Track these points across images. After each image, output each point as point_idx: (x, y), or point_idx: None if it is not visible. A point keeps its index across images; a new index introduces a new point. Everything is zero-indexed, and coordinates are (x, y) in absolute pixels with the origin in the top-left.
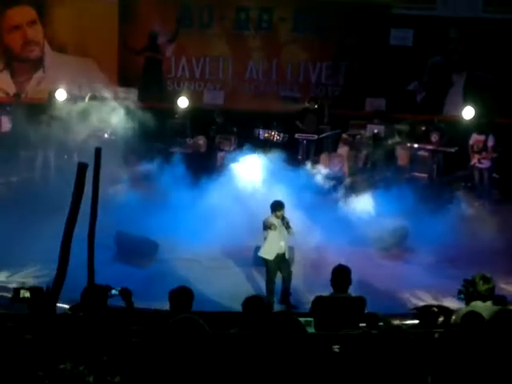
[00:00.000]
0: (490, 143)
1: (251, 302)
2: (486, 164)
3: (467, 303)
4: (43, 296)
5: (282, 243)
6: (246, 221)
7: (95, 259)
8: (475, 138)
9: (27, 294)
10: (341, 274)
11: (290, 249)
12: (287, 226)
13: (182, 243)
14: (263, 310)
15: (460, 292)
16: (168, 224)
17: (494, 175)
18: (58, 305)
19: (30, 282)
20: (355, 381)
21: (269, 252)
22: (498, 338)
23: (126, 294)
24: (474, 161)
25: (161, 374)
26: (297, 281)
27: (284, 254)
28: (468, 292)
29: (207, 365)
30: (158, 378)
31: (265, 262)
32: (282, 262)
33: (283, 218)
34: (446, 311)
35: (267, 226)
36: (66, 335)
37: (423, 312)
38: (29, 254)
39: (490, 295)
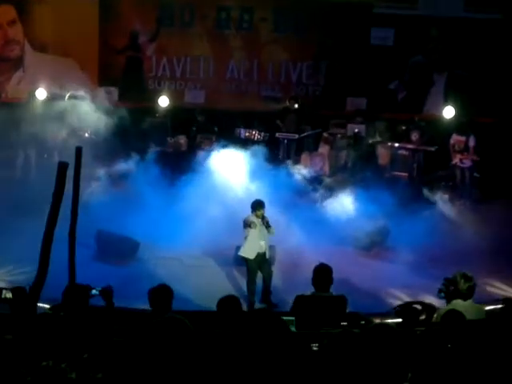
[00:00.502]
0: (471, 143)
1: (225, 301)
2: (467, 164)
3: (448, 301)
4: (25, 296)
5: (262, 243)
6: (226, 220)
7: (76, 258)
8: (456, 138)
9: (9, 295)
10: (322, 273)
11: (271, 248)
12: (267, 226)
13: (163, 242)
14: (237, 310)
15: (440, 291)
16: (148, 223)
17: (475, 175)
18: (39, 304)
19: (11, 281)
20: (334, 379)
21: (249, 251)
22: (481, 337)
23: (106, 293)
24: (456, 160)
25: (145, 372)
26: (277, 280)
27: (264, 254)
28: (448, 290)
29: (190, 363)
30: (141, 375)
31: (245, 261)
32: (263, 262)
33: (263, 218)
34: (429, 308)
35: (247, 225)
36: (47, 334)
37: (405, 309)
38: (9, 253)
39: (471, 293)
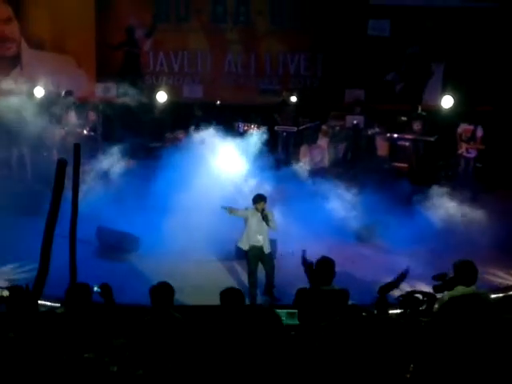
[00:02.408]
0: (479, 134)
1: (228, 294)
2: (472, 153)
3: (448, 289)
4: (23, 295)
5: (260, 237)
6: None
7: (77, 254)
8: (463, 128)
9: (6, 293)
10: (324, 267)
11: (272, 242)
12: (266, 220)
13: (164, 237)
14: (240, 302)
15: (434, 278)
16: (149, 218)
17: (477, 165)
18: (41, 302)
19: (12, 278)
20: (335, 369)
21: (243, 242)
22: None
23: (105, 290)
24: (462, 150)
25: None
26: (279, 273)
27: (262, 248)
28: (445, 279)
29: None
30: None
31: (245, 253)
32: (264, 257)
33: (263, 212)
34: (429, 297)
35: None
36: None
37: (407, 299)
38: (9, 252)
39: (474, 280)
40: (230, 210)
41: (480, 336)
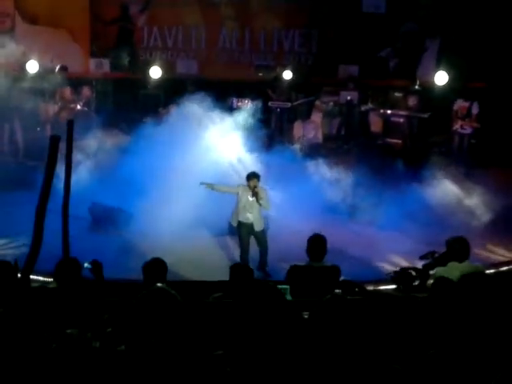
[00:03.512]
0: (475, 111)
1: (238, 268)
2: (468, 130)
3: (441, 265)
4: (11, 269)
5: (249, 214)
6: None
7: (70, 230)
8: (460, 104)
9: None
10: (316, 243)
11: (264, 218)
12: (257, 198)
13: (157, 214)
14: (249, 278)
15: (422, 257)
16: (142, 194)
17: (472, 141)
18: (33, 277)
19: (4, 254)
20: (328, 346)
21: (233, 219)
22: (469, 302)
23: (96, 267)
24: (457, 126)
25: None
26: (271, 249)
27: (252, 225)
28: (433, 257)
29: (181, 333)
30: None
31: (237, 230)
32: (255, 234)
33: (254, 189)
34: (423, 273)
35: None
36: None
37: (400, 275)
38: (3, 226)
39: (467, 255)
40: (211, 186)
41: (485, 313)
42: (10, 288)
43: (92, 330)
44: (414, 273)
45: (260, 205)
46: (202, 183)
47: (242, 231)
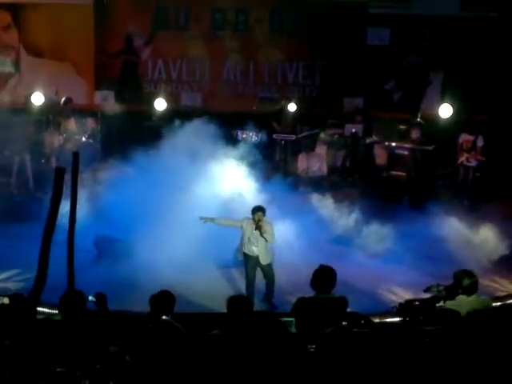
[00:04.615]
0: (480, 143)
1: (236, 301)
2: (473, 163)
3: (451, 298)
4: (23, 302)
5: (255, 248)
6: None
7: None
8: (464, 137)
9: (6, 301)
10: (325, 275)
11: (269, 250)
12: (260, 232)
13: (162, 246)
14: (248, 310)
15: (426, 290)
16: (147, 226)
17: (476, 174)
18: (39, 309)
19: (10, 286)
20: (332, 378)
21: (238, 252)
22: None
23: (100, 300)
24: (462, 159)
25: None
26: (277, 281)
27: (257, 258)
28: (438, 290)
29: (186, 365)
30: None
31: (244, 263)
32: (262, 268)
33: (258, 223)
34: (428, 306)
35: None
36: (53, 340)
37: (405, 307)
38: (8, 259)
39: (475, 289)
40: (211, 220)
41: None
42: (21, 321)
43: (81, 368)
44: (418, 303)
45: (264, 238)
46: (201, 218)
47: (248, 263)
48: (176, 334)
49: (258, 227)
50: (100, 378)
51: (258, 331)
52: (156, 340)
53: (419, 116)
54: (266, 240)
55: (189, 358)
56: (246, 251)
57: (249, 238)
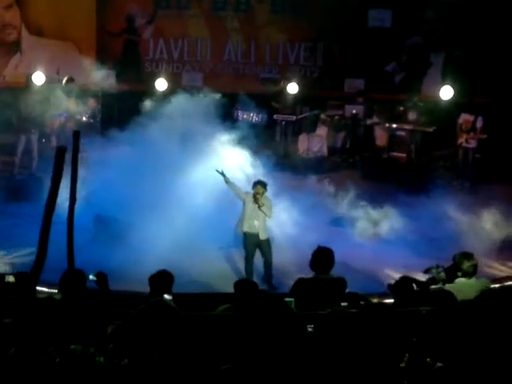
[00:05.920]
0: (479, 124)
1: (242, 284)
2: (472, 144)
3: (451, 281)
4: (28, 281)
5: (256, 222)
6: (228, 202)
7: (75, 241)
8: (464, 118)
9: (11, 279)
10: (323, 256)
11: (269, 230)
12: (258, 205)
13: (162, 225)
14: (254, 293)
15: (426, 271)
16: (147, 205)
17: (476, 155)
18: (38, 288)
19: (9, 264)
20: (329, 359)
21: (239, 226)
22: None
23: (101, 278)
24: (461, 140)
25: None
26: (276, 261)
27: (258, 234)
28: (437, 271)
29: (182, 347)
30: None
31: (243, 241)
32: (260, 243)
33: (256, 196)
34: (423, 286)
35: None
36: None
37: (399, 286)
38: (8, 237)
39: (474, 271)
40: (226, 178)
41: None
42: (25, 299)
43: (95, 345)
44: (415, 286)
45: (261, 211)
46: (217, 171)
47: (247, 242)
48: (169, 314)
49: (256, 199)
50: (115, 356)
51: (264, 311)
52: (146, 320)
53: (416, 98)
54: (265, 214)
55: (182, 339)
56: (246, 229)
57: (250, 213)
